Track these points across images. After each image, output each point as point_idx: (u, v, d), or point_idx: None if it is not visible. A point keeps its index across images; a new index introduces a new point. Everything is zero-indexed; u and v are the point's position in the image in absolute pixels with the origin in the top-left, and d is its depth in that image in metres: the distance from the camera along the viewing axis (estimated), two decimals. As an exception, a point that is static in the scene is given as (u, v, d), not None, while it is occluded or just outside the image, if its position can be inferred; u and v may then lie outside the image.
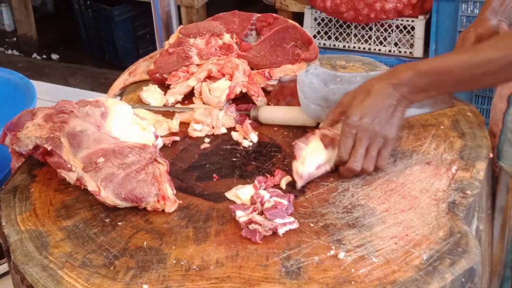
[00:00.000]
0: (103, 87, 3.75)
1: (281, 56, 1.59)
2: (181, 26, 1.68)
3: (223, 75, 1.55)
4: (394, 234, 1.12)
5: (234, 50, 1.61)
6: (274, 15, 1.63)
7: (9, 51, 4.71)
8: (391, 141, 1.26)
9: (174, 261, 1.08)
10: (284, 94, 1.53)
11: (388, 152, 1.26)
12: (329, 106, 1.37)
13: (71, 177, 1.26)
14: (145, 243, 1.13)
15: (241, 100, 1.57)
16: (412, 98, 1.24)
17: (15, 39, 4.87)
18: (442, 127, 1.42)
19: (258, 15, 1.65)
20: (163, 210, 1.21)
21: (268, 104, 1.54)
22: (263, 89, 1.57)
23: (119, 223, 1.18)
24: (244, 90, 1.53)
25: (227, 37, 1.62)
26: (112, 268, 1.08)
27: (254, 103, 1.54)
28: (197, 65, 1.60)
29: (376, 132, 1.23)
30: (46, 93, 3.53)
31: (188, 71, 1.58)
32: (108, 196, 1.19)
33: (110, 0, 4.24)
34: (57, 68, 4.35)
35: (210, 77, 1.58)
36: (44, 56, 4.61)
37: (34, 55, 4.62)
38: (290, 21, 1.61)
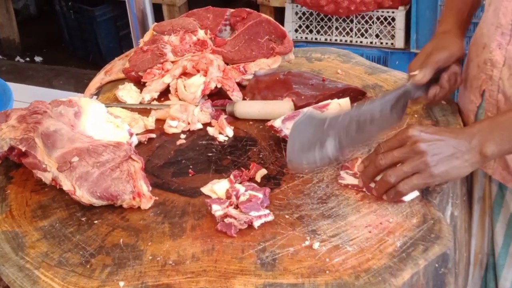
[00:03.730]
0: (87, 88, 3.74)
1: (255, 50, 1.59)
2: (155, 23, 1.68)
3: (198, 71, 1.55)
4: (368, 222, 1.13)
5: (208, 46, 1.61)
6: (248, 9, 1.63)
7: (-8, 55, 4.70)
8: (429, 176, 1.12)
9: (150, 257, 1.09)
10: (260, 88, 1.54)
11: (417, 183, 1.14)
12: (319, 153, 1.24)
13: (46, 177, 1.26)
14: (121, 240, 1.13)
15: (217, 96, 1.57)
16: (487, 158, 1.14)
17: (-3, 42, 4.85)
18: (416, 115, 1.43)
19: (232, 10, 1.65)
20: (139, 207, 1.21)
21: (243, 99, 1.54)
22: (239, 84, 1.57)
23: (95, 221, 1.19)
24: (219, 86, 1.54)
25: (201, 33, 1.62)
26: (88, 266, 1.08)
27: (229, 98, 1.54)
28: (172, 62, 1.60)
29: (425, 154, 1.12)
30: (30, 96, 3.52)
31: (163, 68, 1.59)
32: (83, 195, 1.19)
33: (92, 1, 4.23)
34: (40, 71, 4.34)
35: (185, 74, 1.58)
36: (28, 59, 4.60)
37: (17, 58, 4.61)
38: (264, 15, 1.62)
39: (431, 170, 1.11)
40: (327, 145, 1.21)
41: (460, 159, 1.12)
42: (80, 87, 3.91)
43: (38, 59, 4.59)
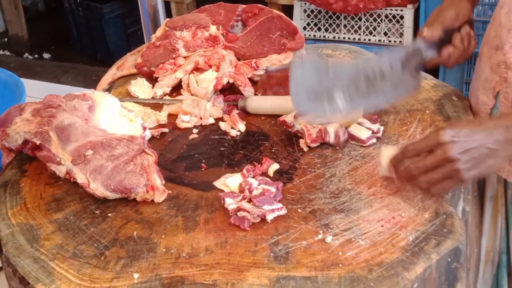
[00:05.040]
0: (95, 85, 3.73)
1: (267, 46, 1.59)
2: (167, 19, 1.69)
3: (210, 66, 1.56)
4: (380, 217, 1.13)
5: (220, 42, 1.61)
6: (260, 5, 1.64)
7: (0, 52, 4.71)
8: (460, 181, 1.11)
9: (164, 250, 1.09)
10: (271, 83, 1.54)
11: (448, 187, 1.14)
12: (319, 100, 1.26)
13: (60, 171, 1.27)
14: (135, 233, 1.14)
15: (229, 91, 1.58)
16: None
17: (6, 39, 4.87)
18: (427, 111, 1.43)
19: (244, 6, 1.66)
20: (152, 200, 1.22)
21: (255, 94, 1.55)
22: (250, 79, 1.58)
23: (109, 214, 1.20)
24: (231, 81, 1.54)
25: (213, 29, 1.63)
26: (102, 258, 1.09)
27: (241, 94, 1.55)
28: (184, 57, 1.61)
29: (457, 162, 1.09)
30: (38, 92, 3.53)
31: (175, 64, 1.59)
32: (97, 188, 1.20)
33: (100, -2, 4.25)
34: (48, 67, 4.35)
35: (197, 69, 1.59)
36: (36, 56, 4.61)
37: (26, 54, 4.63)
38: (275, 11, 1.62)
39: (462, 176, 1.10)
40: (336, 96, 1.19)
41: (494, 157, 1.10)
42: (88, 84, 3.92)
43: (46, 55, 4.61)
